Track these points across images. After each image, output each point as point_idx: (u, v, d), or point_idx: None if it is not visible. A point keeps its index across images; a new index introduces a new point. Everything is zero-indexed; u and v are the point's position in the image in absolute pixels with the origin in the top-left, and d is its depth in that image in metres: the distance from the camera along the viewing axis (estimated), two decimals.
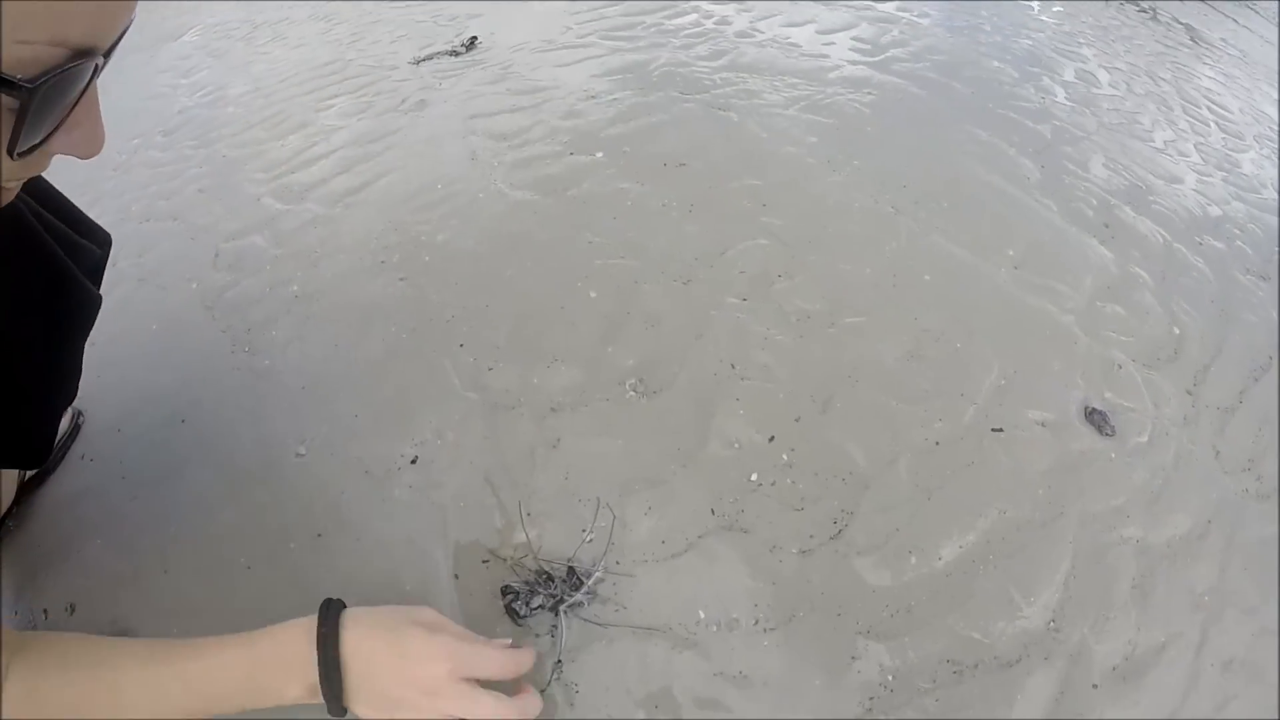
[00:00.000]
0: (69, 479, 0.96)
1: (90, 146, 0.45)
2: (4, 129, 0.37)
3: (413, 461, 0.92)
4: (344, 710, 0.59)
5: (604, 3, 2.31)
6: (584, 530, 0.84)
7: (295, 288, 1.20)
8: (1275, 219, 1.65)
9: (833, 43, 1.99)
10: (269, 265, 1.27)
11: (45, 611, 0.83)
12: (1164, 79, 2.27)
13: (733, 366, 1.01)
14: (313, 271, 1.23)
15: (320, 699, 0.58)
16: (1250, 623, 0.85)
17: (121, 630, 0.81)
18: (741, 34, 2.01)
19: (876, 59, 1.90)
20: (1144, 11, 2.97)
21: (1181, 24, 2.97)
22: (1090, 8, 2.80)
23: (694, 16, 2.13)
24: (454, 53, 2.07)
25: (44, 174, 0.71)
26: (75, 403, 1.03)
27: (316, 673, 0.58)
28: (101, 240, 0.85)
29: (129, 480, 0.95)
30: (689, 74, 1.77)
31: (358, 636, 0.59)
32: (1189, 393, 1.11)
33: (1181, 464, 1.00)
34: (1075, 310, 1.17)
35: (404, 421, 0.97)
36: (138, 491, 0.93)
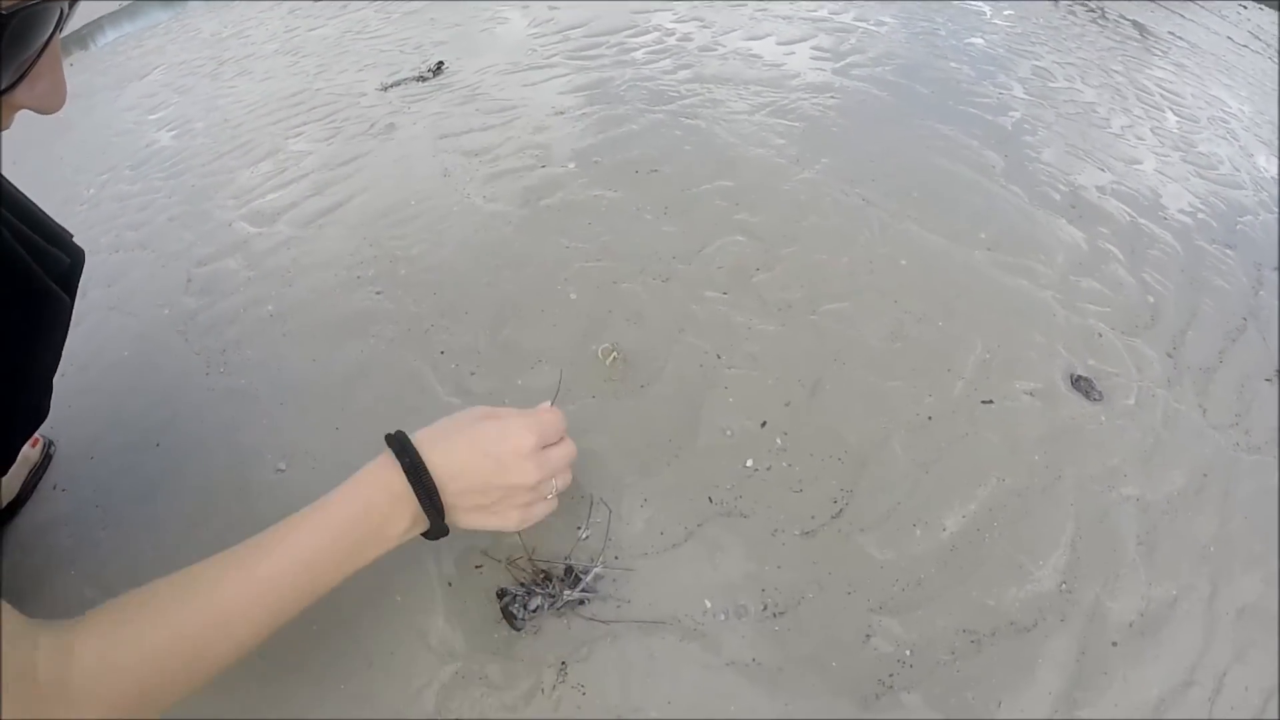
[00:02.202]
0: (41, 510, 0.93)
1: (54, 99, 0.47)
2: None
3: None
4: (446, 530, 0.64)
5: (566, 26, 2.36)
6: (579, 528, 0.83)
7: (270, 307, 1.19)
8: (1235, 193, 1.70)
9: (793, 53, 2.03)
10: (242, 287, 1.26)
11: None
12: (1117, 71, 2.35)
13: (718, 357, 1.00)
14: (287, 291, 1.21)
15: (420, 529, 0.63)
16: (1257, 570, 0.84)
17: None
18: (704, 48, 2.05)
19: (837, 65, 1.95)
20: (1092, 11, 3.08)
21: (1129, 20, 3.09)
22: (1039, 9, 2.90)
23: (656, 35, 2.18)
24: (421, 78, 2.10)
25: (16, 187, 0.71)
26: (46, 432, 1.00)
27: (416, 503, 0.60)
28: (71, 250, 0.84)
29: (103, 508, 0.92)
30: (655, 87, 1.80)
31: (442, 453, 0.62)
32: (1169, 355, 1.13)
33: (1170, 422, 1.00)
34: (1051, 285, 1.18)
35: (386, 430, 0.95)
36: (112, 519, 0.91)
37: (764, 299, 1.09)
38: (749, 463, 0.88)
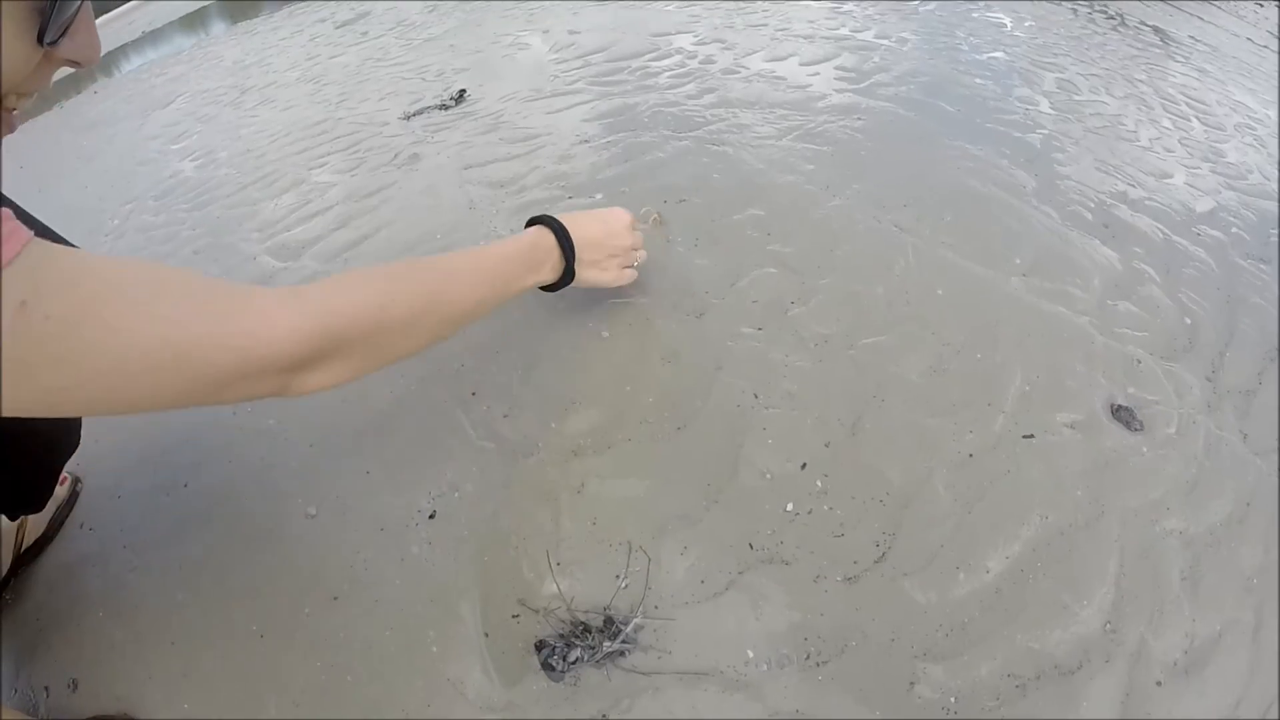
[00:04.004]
0: (68, 548, 0.94)
1: (91, 51, 0.53)
2: (27, 25, 0.45)
3: (430, 516, 0.91)
4: (572, 276, 0.95)
5: (587, 51, 2.37)
6: (618, 576, 0.82)
7: None
8: (1267, 203, 1.67)
9: (817, 73, 2.02)
10: None
11: (46, 689, 0.81)
12: (1140, 80, 2.32)
13: (756, 396, 0.99)
14: None
15: (555, 275, 0.93)
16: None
17: (126, 706, 0.78)
18: (727, 71, 2.05)
19: (862, 85, 1.94)
20: (1112, 19, 3.05)
21: (1149, 26, 3.05)
22: (1060, 20, 2.88)
23: (678, 58, 2.18)
24: (444, 106, 2.12)
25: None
26: (73, 469, 1.01)
27: (559, 252, 0.92)
28: None
29: (130, 548, 0.93)
30: (679, 113, 1.80)
31: (574, 224, 0.93)
32: (1209, 380, 1.10)
33: (1212, 451, 0.98)
34: (1088, 311, 1.17)
35: (418, 475, 0.95)
36: (140, 559, 0.92)
37: (800, 334, 1.08)
38: (789, 506, 0.87)
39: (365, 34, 3.47)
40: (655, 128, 1.72)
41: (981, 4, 2.89)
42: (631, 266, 1.05)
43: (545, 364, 1.08)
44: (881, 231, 1.30)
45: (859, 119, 1.73)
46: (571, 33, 2.60)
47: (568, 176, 1.55)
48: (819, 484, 0.90)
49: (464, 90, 2.17)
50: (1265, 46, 3.24)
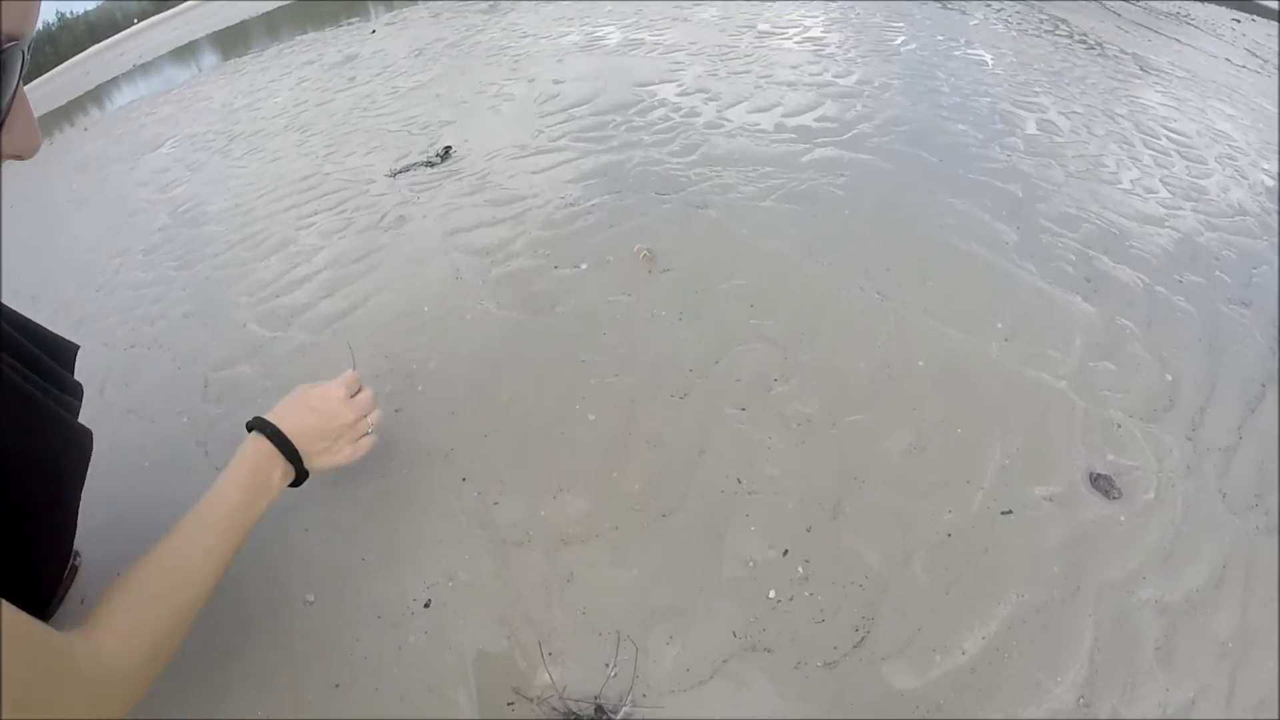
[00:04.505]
0: (67, 624, 0.97)
1: (29, 143, 0.55)
2: None
3: (426, 605, 0.95)
4: (306, 473, 0.93)
5: (571, 103, 2.43)
6: (608, 664, 0.87)
7: None
8: (1249, 241, 1.72)
9: (801, 124, 2.10)
10: (259, 397, 1.33)
11: None
12: (1121, 115, 2.40)
13: (739, 481, 1.05)
14: None
15: (290, 477, 0.91)
16: (1276, 659, 0.87)
17: None
18: (710, 125, 2.12)
19: (845, 136, 2.01)
20: (1092, 48, 3.14)
21: (1129, 54, 3.14)
22: (1040, 53, 2.96)
23: (662, 111, 2.25)
24: (429, 163, 2.18)
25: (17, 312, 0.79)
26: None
27: (283, 458, 0.89)
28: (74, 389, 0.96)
29: None
30: (664, 172, 1.86)
31: (289, 420, 0.91)
32: (1189, 439, 1.15)
33: (1190, 515, 1.03)
34: (1068, 375, 1.22)
35: (413, 563, 1.00)
36: None
37: (783, 414, 1.14)
38: (771, 594, 0.92)
39: (353, 79, 3.56)
40: (640, 189, 1.78)
41: (963, 42, 2.97)
42: (367, 434, 1.01)
43: (533, 448, 1.13)
44: (864, 300, 1.36)
45: (842, 175, 1.79)
46: (556, 82, 2.68)
47: (552, 244, 1.61)
48: (800, 570, 0.95)
49: (449, 147, 2.24)
50: (1243, 66, 3.33)
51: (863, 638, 0.88)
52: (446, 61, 3.45)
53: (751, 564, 0.95)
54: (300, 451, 0.91)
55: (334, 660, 0.90)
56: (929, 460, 1.06)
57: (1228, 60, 3.38)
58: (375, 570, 1.00)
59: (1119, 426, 1.15)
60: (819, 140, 1.99)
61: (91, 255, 2.26)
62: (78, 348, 1.03)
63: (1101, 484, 1.06)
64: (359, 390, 1.02)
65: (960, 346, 1.26)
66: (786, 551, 0.96)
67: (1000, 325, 1.31)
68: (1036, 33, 3.33)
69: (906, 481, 1.04)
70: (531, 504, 1.05)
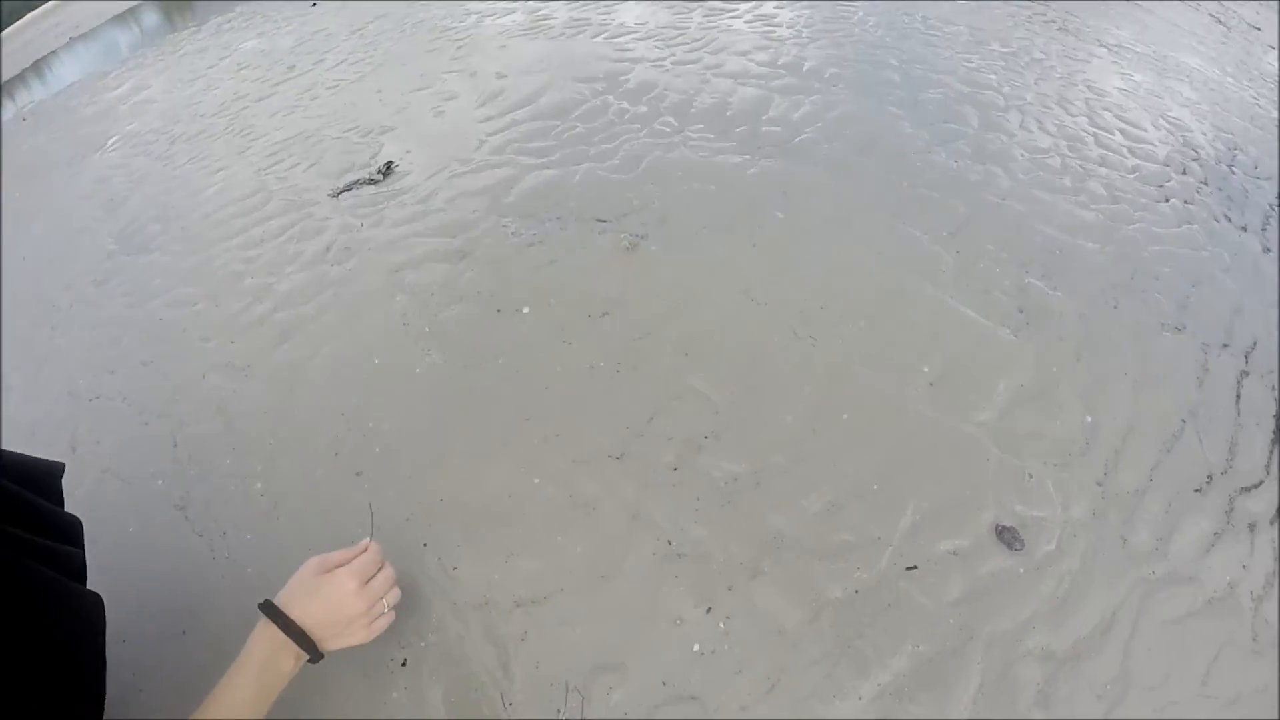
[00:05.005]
0: None
1: None
2: None
3: (403, 664, 1.10)
4: (321, 655, 0.95)
5: (514, 104, 2.44)
6: (559, 710, 1.02)
7: (259, 485, 1.37)
8: (1187, 253, 1.77)
9: (746, 132, 2.15)
10: (228, 458, 1.44)
11: None
12: (1076, 106, 2.44)
13: (669, 543, 1.17)
14: (272, 467, 1.39)
15: (303, 660, 0.94)
16: (1152, 699, 0.99)
17: None
18: (655, 135, 2.19)
19: (792, 143, 2.07)
20: (1051, 22, 3.16)
21: (1090, 26, 3.16)
22: (998, 31, 2.98)
23: (606, 118, 2.30)
24: (372, 180, 2.21)
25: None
26: None
27: (295, 646, 0.92)
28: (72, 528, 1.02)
29: (147, 693, 1.11)
30: (604, 194, 1.95)
31: (299, 608, 0.94)
32: (1099, 484, 1.24)
33: (1087, 564, 1.14)
34: (987, 423, 1.31)
35: (389, 625, 1.10)
36: (157, 704, 1.09)
37: (711, 475, 1.26)
38: (696, 648, 1.06)
39: (293, 68, 3.53)
40: (581, 215, 1.86)
41: (919, 18, 2.97)
42: (384, 614, 1.02)
43: (485, 514, 1.26)
44: (797, 351, 1.46)
45: (784, 193, 1.85)
46: (499, 76, 2.70)
47: (495, 282, 1.71)
48: (722, 626, 1.08)
49: (391, 162, 2.26)
50: (1203, 41, 3.36)
51: (772, 686, 1.02)
52: (387, 46, 3.43)
53: (679, 621, 1.09)
54: (314, 637, 0.93)
55: (327, 716, 1.06)
56: (844, 520, 1.18)
57: (1192, 34, 3.41)
58: None
59: (1030, 476, 1.23)
60: (763, 150, 2.05)
61: (40, 287, 2.29)
62: (62, 468, 1.08)
63: (1006, 536, 1.16)
64: (376, 571, 1.01)
65: (885, 397, 1.35)
66: (710, 609, 1.09)
67: (927, 369, 1.40)
68: (995, 2, 3.32)
69: (820, 541, 1.16)
70: (486, 569, 1.18)
